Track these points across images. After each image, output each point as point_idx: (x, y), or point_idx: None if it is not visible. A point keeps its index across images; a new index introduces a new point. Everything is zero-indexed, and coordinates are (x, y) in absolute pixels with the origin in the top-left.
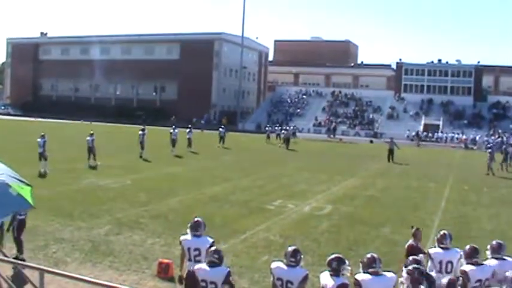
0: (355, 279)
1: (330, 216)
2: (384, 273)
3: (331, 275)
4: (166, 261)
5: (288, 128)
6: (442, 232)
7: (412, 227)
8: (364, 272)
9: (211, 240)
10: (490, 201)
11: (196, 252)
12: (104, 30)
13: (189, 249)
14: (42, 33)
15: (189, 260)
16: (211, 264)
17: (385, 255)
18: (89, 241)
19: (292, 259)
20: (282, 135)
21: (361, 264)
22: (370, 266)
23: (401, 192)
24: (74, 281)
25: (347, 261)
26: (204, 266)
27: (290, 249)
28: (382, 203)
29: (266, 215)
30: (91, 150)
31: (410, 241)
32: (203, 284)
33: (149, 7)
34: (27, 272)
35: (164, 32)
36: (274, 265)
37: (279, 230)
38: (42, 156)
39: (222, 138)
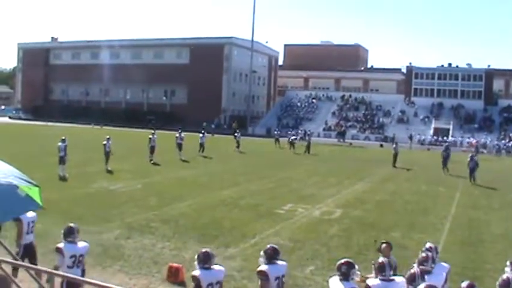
0: (367, 284)
1: (340, 221)
2: (394, 277)
3: (340, 279)
4: (176, 265)
5: (309, 133)
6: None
7: (376, 241)
8: (375, 278)
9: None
10: (500, 205)
11: (32, 224)
12: (113, 34)
13: (28, 223)
14: (52, 38)
15: (27, 233)
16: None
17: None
18: (99, 245)
19: (278, 257)
20: (295, 140)
21: (373, 269)
22: (380, 272)
23: (411, 197)
24: (84, 285)
25: (356, 266)
26: (201, 270)
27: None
28: (392, 207)
29: (276, 219)
30: (108, 154)
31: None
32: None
33: (159, 11)
34: (37, 275)
35: (174, 37)
36: (263, 267)
37: (288, 234)
38: (62, 160)
39: (238, 142)
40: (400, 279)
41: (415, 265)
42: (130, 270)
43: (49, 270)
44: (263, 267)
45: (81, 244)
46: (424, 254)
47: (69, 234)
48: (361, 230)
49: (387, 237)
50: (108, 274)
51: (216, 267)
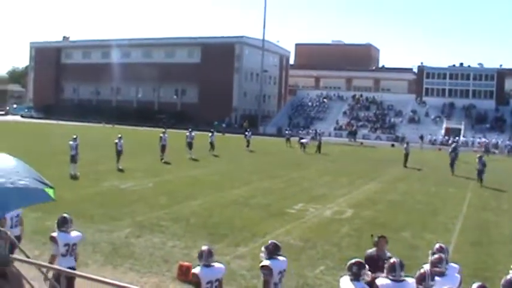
0: (376, 284)
1: (351, 220)
2: (406, 278)
3: (351, 279)
4: (186, 263)
5: (320, 133)
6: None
7: (372, 236)
8: (385, 277)
9: None
10: (511, 206)
11: (17, 218)
12: (124, 33)
13: (12, 218)
14: (64, 37)
15: (11, 227)
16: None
17: (405, 259)
18: (110, 243)
19: (279, 252)
20: (306, 143)
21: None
22: (391, 272)
23: (422, 197)
24: (95, 283)
25: (367, 266)
26: (202, 268)
27: (271, 242)
28: (403, 207)
29: (287, 218)
30: (119, 153)
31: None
32: (208, 285)
33: (170, 10)
34: (48, 274)
35: (185, 36)
36: (267, 262)
37: (299, 233)
38: (73, 158)
39: (248, 141)
40: (411, 280)
41: (425, 265)
42: (141, 268)
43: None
44: (266, 262)
45: (74, 233)
46: (437, 255)
47: (63, 224)
48: (372, 230)
49: (398, 237)
50: (119, 273)
51: (216, 264)
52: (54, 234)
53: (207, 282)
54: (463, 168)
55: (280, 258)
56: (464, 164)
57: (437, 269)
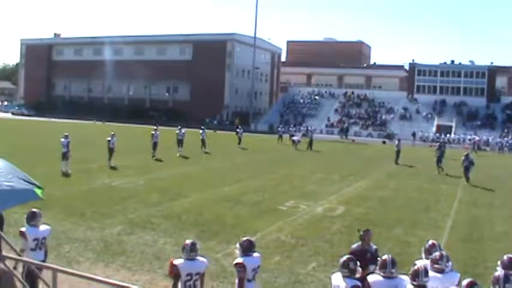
0: (367, 280)
1: (342, 217)
2: (398, 275)
3: (344, 275)
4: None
5: (311, 130)
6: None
7: (359, 231)
8: (377, 274)
9: None
10: (502, 203)
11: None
12: (116, 31)
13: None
14: (55, 34)
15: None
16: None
17: (397, 256)
18: (102, 241)
19: (253, 249)
20: (298, 141)
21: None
22: (382, 269)
23: (413, 194)
24: (86, 281)
25: (358, 262)
26: (184, 260)
27: (246, 239)
28: (394, 204)
29: (278, 215)
30: (112, 150)
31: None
32: (188, 277)
33: (161, 8)
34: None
35: (177, 33)
36: (240, 260)
37: (291, 230)
38: (65, 156)
39: (239, 138)
40: (404, 277)
41: (418, 262)
42: (133, 266)
43: (59, 267)
44: (240, 259)
45: (43, 227)
46: (438, 253)
47: (32, 218)
48: (364, 227)
49: (390, 233)
50: (111, 270)
51: (199, 258)
52: (23, 229)
53: (187, 275)
54: (454, 165)
55: (254, 255)
56: (453, 161)
57: (437, 266)
